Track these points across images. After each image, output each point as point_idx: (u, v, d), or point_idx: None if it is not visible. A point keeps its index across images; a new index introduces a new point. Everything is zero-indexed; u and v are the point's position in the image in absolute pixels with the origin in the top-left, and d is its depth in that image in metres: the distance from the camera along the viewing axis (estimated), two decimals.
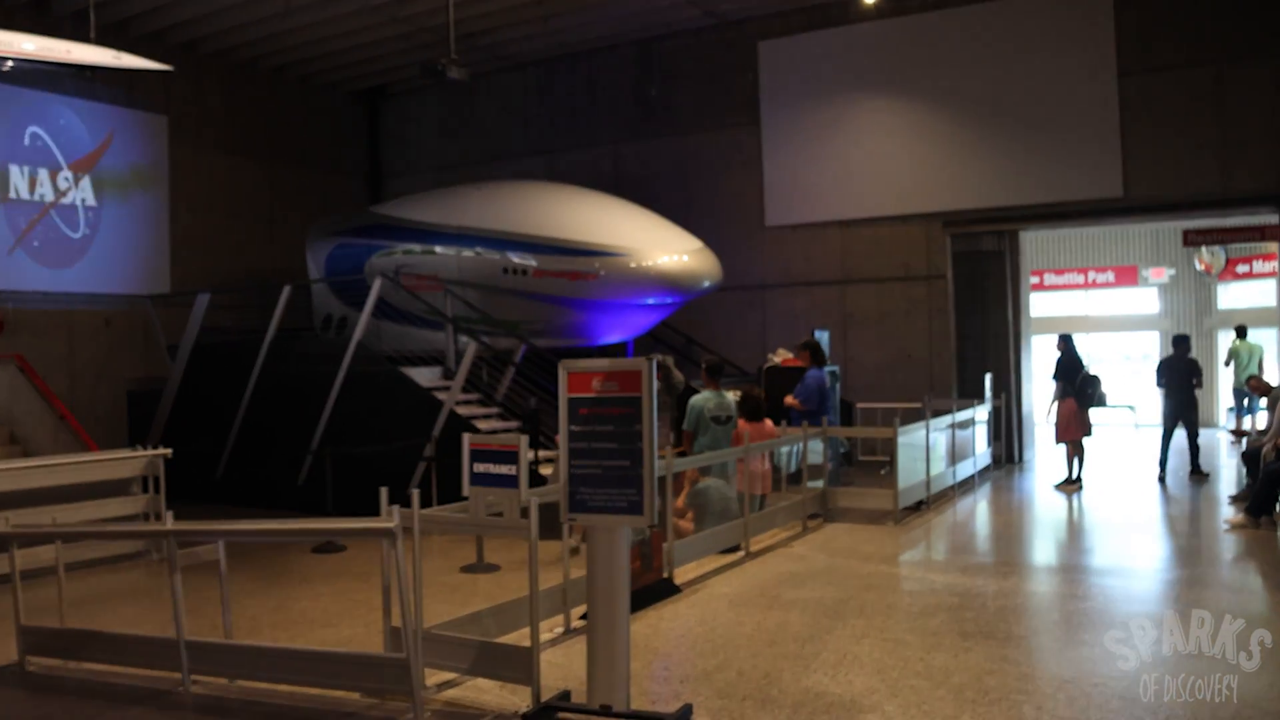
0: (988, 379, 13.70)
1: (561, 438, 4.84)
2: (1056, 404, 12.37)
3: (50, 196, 15.47)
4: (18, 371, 12.94)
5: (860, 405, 14.69)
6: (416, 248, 14.70)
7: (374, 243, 15.22)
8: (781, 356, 12.08)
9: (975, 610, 6.57)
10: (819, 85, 15.89)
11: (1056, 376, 12.39)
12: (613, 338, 14.39)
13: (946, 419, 11.89)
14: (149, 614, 7.24)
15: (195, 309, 15.29)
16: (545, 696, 4.89)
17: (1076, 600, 6.84)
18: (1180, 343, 12.90)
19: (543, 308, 13.86)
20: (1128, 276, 20.87)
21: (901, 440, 10.49)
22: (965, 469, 12.47)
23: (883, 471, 12.17)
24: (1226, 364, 17.30)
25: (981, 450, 13.46)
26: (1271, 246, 16.25)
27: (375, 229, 15.40)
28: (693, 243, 13.67)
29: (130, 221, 16.43)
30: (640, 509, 4.68)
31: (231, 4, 15.30)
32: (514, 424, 13.02)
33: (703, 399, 9.49)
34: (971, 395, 13.95)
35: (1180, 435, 12.71)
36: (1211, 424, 18.36)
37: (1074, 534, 9.83)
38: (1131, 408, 19.71)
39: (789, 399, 11.04)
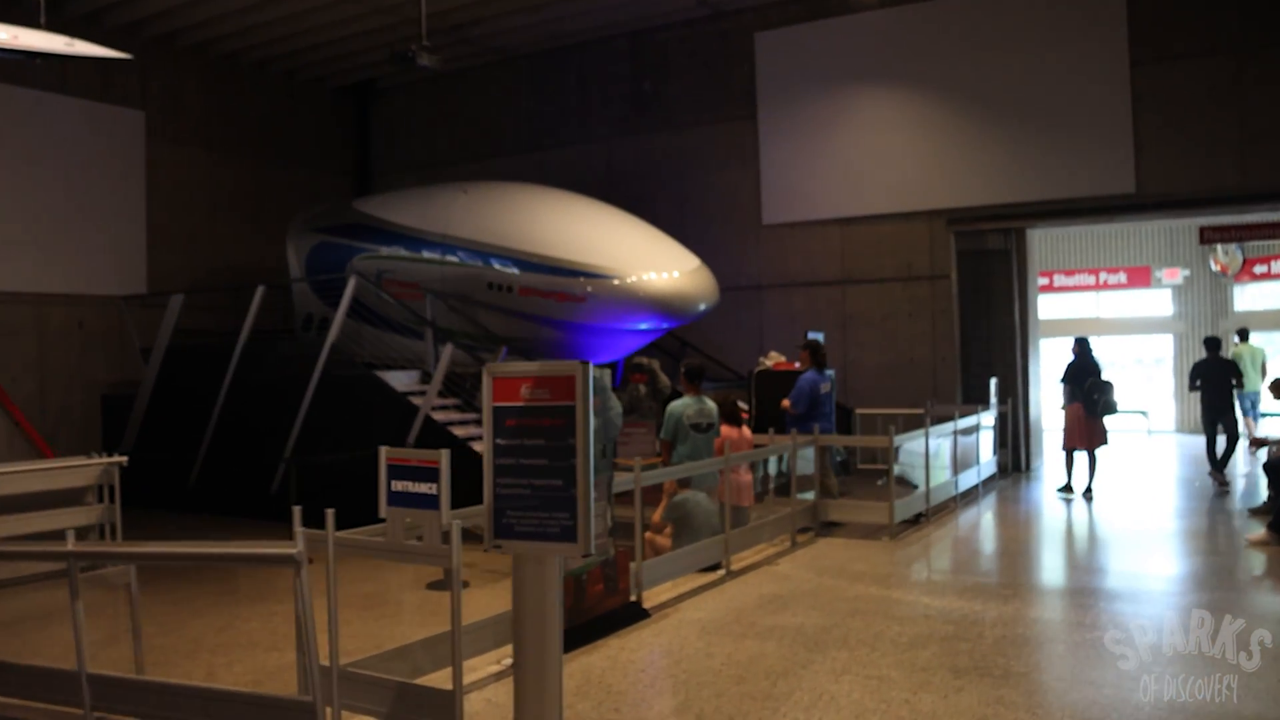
0: (993, 383, 13.05)
1: (486, 453, 4.22)
2: (1065, 409, 11.86)
3: None
4: None
5: (860, 411, 14.04)
6: (400, 253, 14.09)
7: (356, 244, 14.61)
8: (773, 360, 11.43)
9: (971, 641, 5.93)
10: (818, 78, 15.25)
11: (1064, 380, 11.92)
12: (603, 359, 13.73)
13: (948, 426, 11.23)
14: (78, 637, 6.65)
15: (169, 311, 14.77)
16: None
17: (1084, 630, 6.18)
18: (1214, 344, 12.60)
19: (527, 326, 13.17)
20: (1140, 278, 20.15)
21: (899, 449, 9.89)
22: (969, 479, 11.81)
23: (880, 482, 11.52)
24: None
25: (986, 459, 12.82)
26: None
27: (358, 229, 14.79)
28: (688, 261, 12.88)
29: (104, 220, 15.87)
30: (574, 535, 4.07)
31: None
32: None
33: (681, 405, 8.87)
34: (977, 400, 13.30)
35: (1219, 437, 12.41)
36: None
37: (1083, 551, 9.17)
38: (1144, 413, 19.00)
39: (785, 402, 10.44)
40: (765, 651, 5.83)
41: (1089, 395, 11.51)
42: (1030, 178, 13.75)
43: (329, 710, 4.43)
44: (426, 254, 13.73)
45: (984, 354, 14.14)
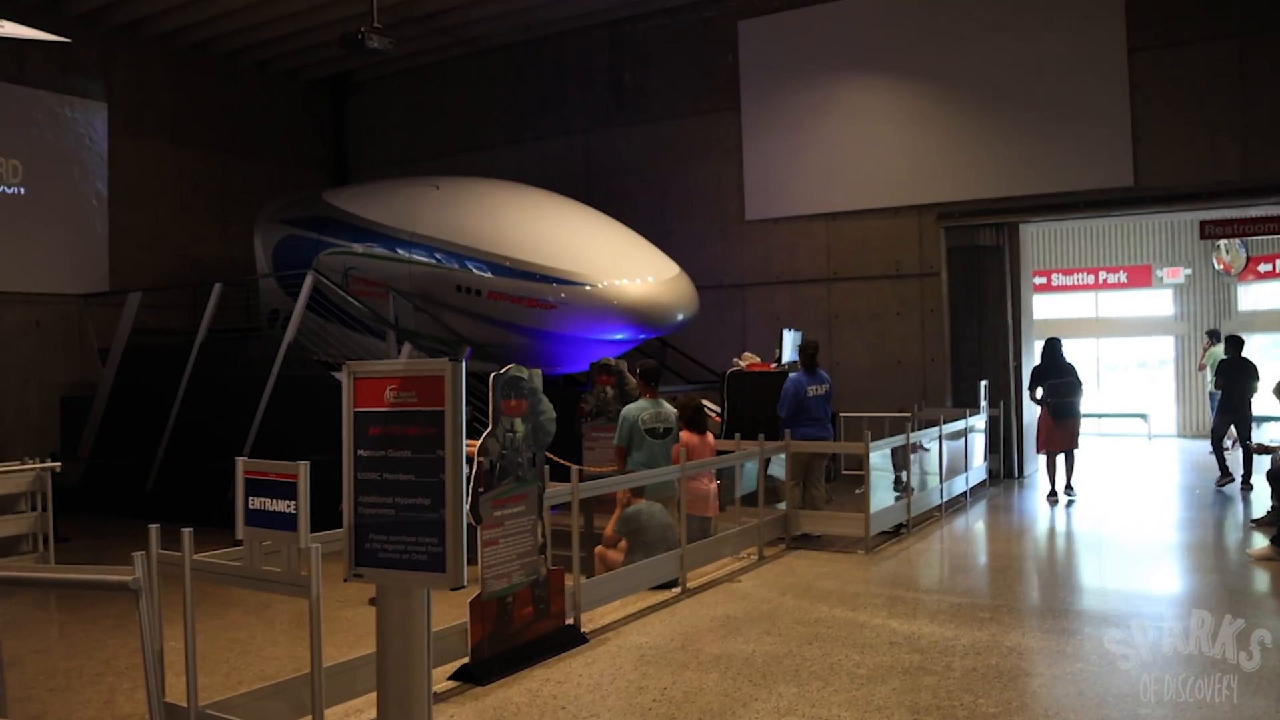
0: (983, 386, 12.41)
1: (346, 467, 3.61)
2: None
3: None
4: None
5: (844, 415, 13.38)
6: (367, 250, 13.50)
7: (324, 239, 14.02)
8: (747, 361, 10.80)
9: (937, 674, 5.30)
10: (803, 67, 14.62)
11: (1031, 383, 11.81)
12: (575, 368, 13.11)
13: (933, 430, 10.61)
14: None
15: (126, 309, 14.23)
16: None
17: (1065, 660, 5.55)
18: (1235, 343, 12.17)
19: (495, 332, 12.56)
20: (1141, 277, 19.46)
21: (877, 456, 9.27)
22: (956, 486, 11.18)
23: (858, 490, 10.89)
24: (1201, 369, 16.28)
25: (976, 464, 12.19)
26: None
27: (326, 223, 14.20)
28: (667, 268, 12.25)
29: (64, 215, 15.29)
30: (442, 564, 3.45)
31: None
32: None
33: (636, 409, 8.24)
34: (968, 403, 12.66)
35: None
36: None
37: (1072, 566, 8.52)
38: (1144, 417, 18.33)
39: None
40: (705, 685, 5.21)
41: (1046, 399, 11.37)
42: (1023, 171, 13.12)
43: None
44: (394, 252, 13.14)
45: (975, 355, 13.49)
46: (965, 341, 13.57)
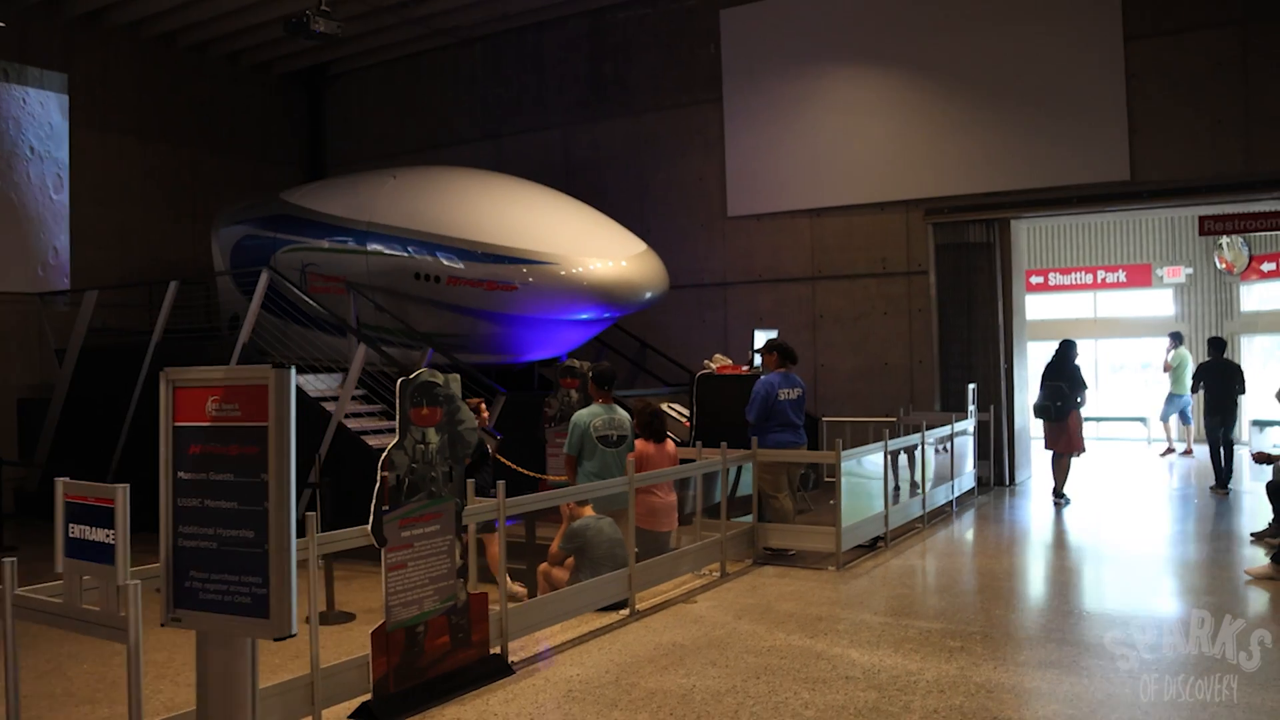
0: (971, 389, 11.83)
1: (164, 492, 3.06)
2: None
3: None
4: None
5: (826, 419, 12.84)
6: (324, 244, 12.94)
7: (280, 236, 13.45)
8: (718, 363, 10.22)
9: (893, 717, 4.72)
10: (787, 57, 14.05)
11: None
12: (542, 354, 12.57)
13: (915, 437, 10.03)
14: None
15: (82, 308, 13.70)
16: None
17: (1040, 702, 4.97)
18: (1217, 346, 12.04)
19: (458, 319, 12.02)
20: (1140, 276, 18.83)
21: (853, 465, 8.70)
22: (940, 495, 10.60)
23: (832, 501, 10.32)
24: (1167, 370, 15.87)
25: (965, 472, 11.61)
26: None
27: (283, 221, 13.63)
28: (634, 245, 11.78)
29: (21, 211, 14.76)
30: (266, 608, 2.89)
31: None
32: None
33: (588, 414, 7.68)
34: (957, 407, 12.10)
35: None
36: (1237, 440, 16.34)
37: (1057, 586, 7.91)
38: (1144, 420, 17.71)
39: None
40: None
41: (1038, 399, 11.34)
42: (1015, 165, 12.54)
43: None
44: (351, 245, 12.60)
45: (965, 357, 12.91)
46: (954, 343, 12.99)
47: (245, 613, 2.92)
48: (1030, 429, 13.79)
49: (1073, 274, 19.31)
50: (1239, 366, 12.32)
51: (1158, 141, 11.87)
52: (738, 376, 9.74)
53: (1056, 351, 11.43)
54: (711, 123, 14.71)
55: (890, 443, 9.16)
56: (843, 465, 8.23)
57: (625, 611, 6.76)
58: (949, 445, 10.96)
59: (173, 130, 16.58)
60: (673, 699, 5.04)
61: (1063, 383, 11.12)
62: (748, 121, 14.35)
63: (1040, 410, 11.25)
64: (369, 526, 4.96)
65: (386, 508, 5.03)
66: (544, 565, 7.26)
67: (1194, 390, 12.56)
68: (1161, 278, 18.71)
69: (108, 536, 3.19)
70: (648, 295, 11.62)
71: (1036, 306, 19.49)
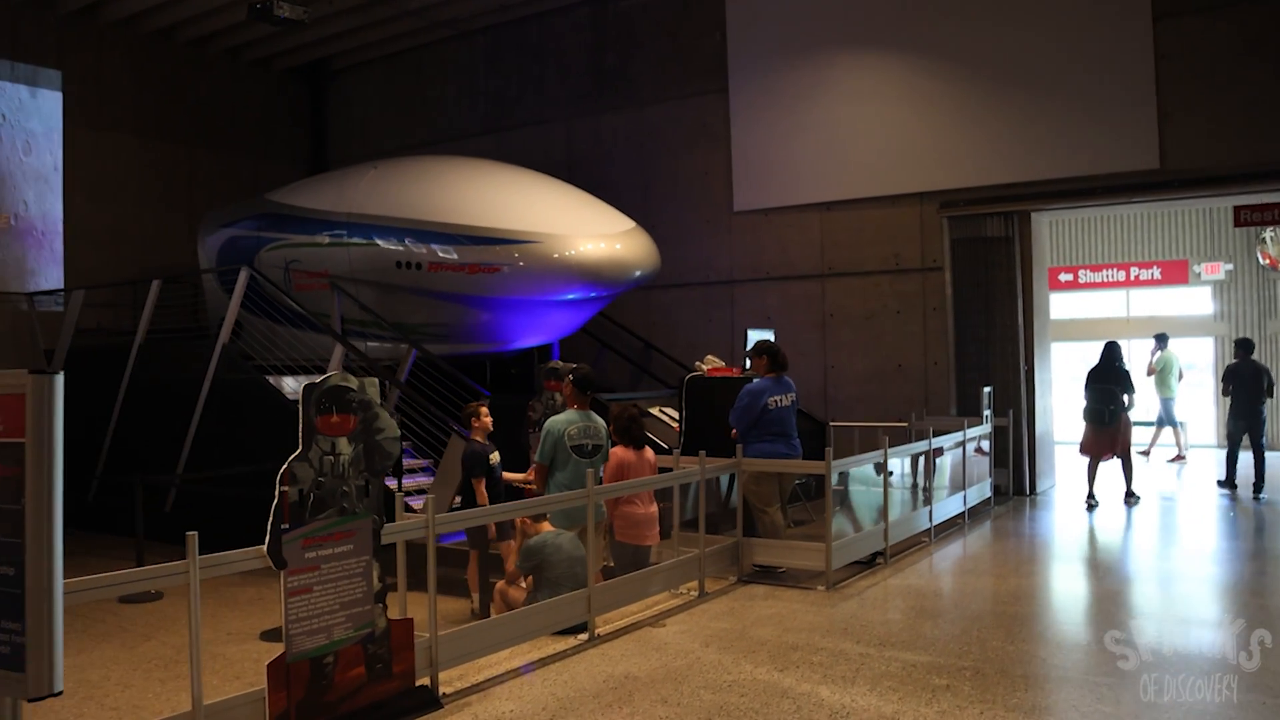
0: (986, 392, 11.12)
1: None
2: None
3: None
4: None
5: (834, 424, 12.17)
6: (306, 239, 12.51)
7: (264, 235, 13.06)
8: (709, 364, 9.59)
9: None
10: (796, 45, 13.40)
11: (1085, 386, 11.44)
12: (532, 340, 12.05)
13: (921, 444, 9.36)
14: None
15: (69, 308, 13.39)
16: None
17: None
18: (1245, 347, 11.65)
19: (443, 307, 11.58)
20: (1176, 273, 17.92)
21: (856, 474, 8.06)
22: (950, 506, 9.91)
23: (817, 517, 9.68)
24: (1151, 374, 15.52)
25: (980, 481, 10.91)
26: None
27: (267, 219, 13.26)
28: (621, 223, 11.37)
29: (13, 211, 14.44)
30: (23, 661, 2.33)
31: None
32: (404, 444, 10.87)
33: (563, 421, 7.10)
34: (975, 411, 11.39)
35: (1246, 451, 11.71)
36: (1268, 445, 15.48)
37: (1072, 611, 7.18)
38: (1181, 425, 16.80)
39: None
40: None
41: (1086, 402, 11.18)
42: (1035, 154, 11.81)
43: None
44: (332, 238, 12.19)
45: (982, 358, 12.18)
46: (971, 343, 12.27)
47: (2, 665, 2.37)
48: (1054, 434, 13.06)
49: (1104, 271, 18.44)
50: (1267, 369, 11.88)
51: (1189, 126, 11.08)
52: (729, 379, 9.11)
53: (1103, 353, 11.25)
54: (717, 114, 14.09)
55: (891, 451, 8.47)
56: (850, 474, 7.59)
57: (584, 636, 6.16)
58: (961, 452, 10.28)
59: (170, 127, 16.24)
60: None
61: (1114, 385, 10.99)
62: (755, 112, 13.71)
63: (1094, 414, 11.06)
64: (265, 547, 4.41)
65: (286, 526, 4.48)
66: (500, 584, 6.70)
67: (1224, 393, 12.19)
68: (1199, 274, 17.80)
69: None
70: (637, 274, 11.15)
71: (1066, 305, 18.72)
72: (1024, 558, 8.65)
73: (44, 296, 14.27)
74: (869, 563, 8.25)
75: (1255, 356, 11.86)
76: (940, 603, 7.00)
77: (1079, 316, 18.23)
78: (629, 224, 11.34)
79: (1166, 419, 15.49)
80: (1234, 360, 11.97)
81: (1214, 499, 11.70)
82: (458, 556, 7.78)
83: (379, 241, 11.64)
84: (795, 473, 8.60)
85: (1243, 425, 11.48)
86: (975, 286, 12.24)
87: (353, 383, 4.75)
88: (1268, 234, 16.67)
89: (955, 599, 7.14)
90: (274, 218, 12.99)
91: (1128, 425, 11.22)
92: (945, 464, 11.01)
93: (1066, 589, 7.84)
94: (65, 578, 3.92)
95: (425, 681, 5.10)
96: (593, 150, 15.13)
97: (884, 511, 8.45)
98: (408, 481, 10.20)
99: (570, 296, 11.14)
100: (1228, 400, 11.92)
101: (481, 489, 7.45)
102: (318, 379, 4.63)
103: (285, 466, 4.49)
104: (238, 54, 17.06)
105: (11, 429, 2.38)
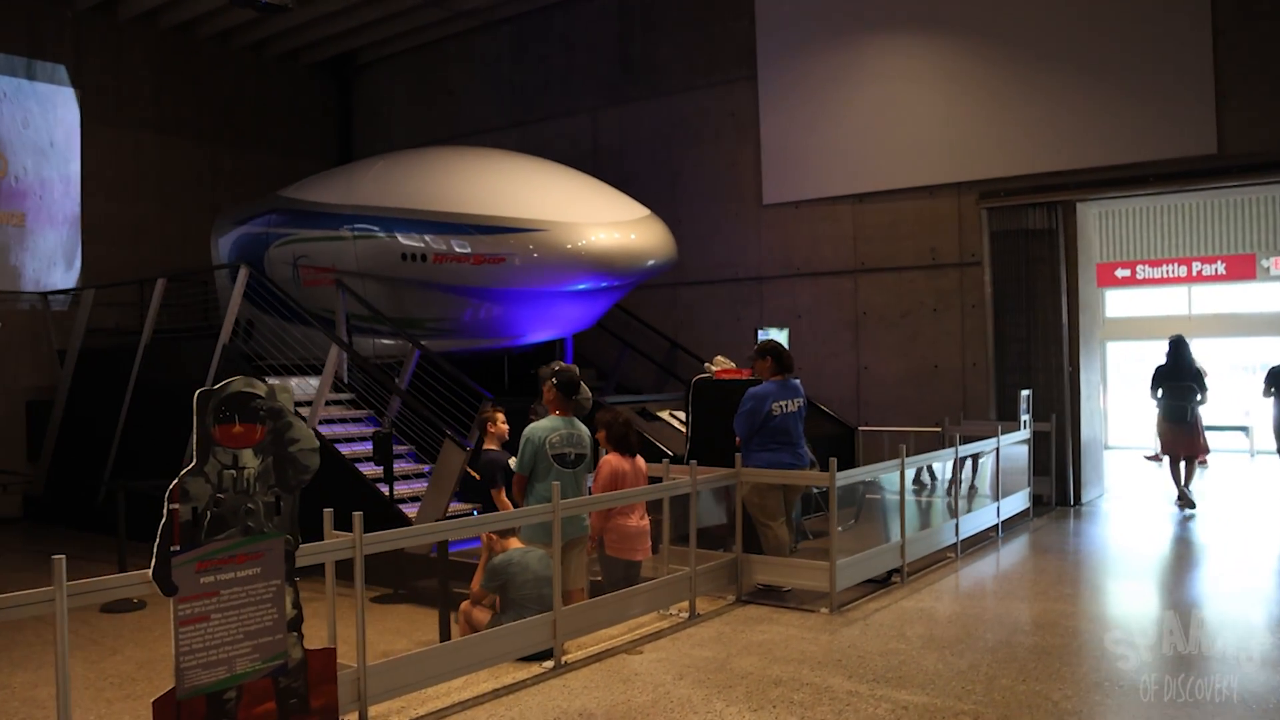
0: (1024, 396, 10.38)
1: None
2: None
3: None
4: None
5: (863, 429, 11.48)
6: (312, 233, 12.18)
7: (273, 230, 12.76)
8: (719, 365, 8.99)
9: None
10: (826, 27, 12.73)
11: (1151, 384, 11.32)
12: (544, 334, 11.56)
13: (947, 453, 8.68)
14: None
15: (81, 308, 13.21)
16: None
17: None
18: None
19: (449, 301, 11.17)
20: (1243, 268, 16.85)
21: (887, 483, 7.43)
22: (980, 519, 9.18)
23: (841, 528, 9.02)
24: None
25: (1017, 491, 10.17)
26: None
27: (275, 215, 12.95)
28: (634, 210, 10.91)
29: (29, 210, 14.31)
30: None
31: None
32: (404, 449, 10.46)
33: (544, 428, 6.54)
34: (1015, 415, 10.64)
35: None
36: None
37: (1107, 642, 6.19)
38: (1246, 430, 15.81)
39: None
40: None
41: (1163, 401, 10.97)
42: (1080, 140, 11.01)
43: None
44: (338, 231, 11.85)
45: (1024, 358, 11.41)
46: (1012, 343, 11.51)
47: None
48: (1104, 439, 12.24)
49: (1163, 266, 17.43)
50: None
51: (1250, 108, 10.22)
52: (739, 382, 8.49)
53: (1171, 351, 11.08)
54: (745, 102, 13.46)
55: (908, 460, 7.80)
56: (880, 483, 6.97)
57: (549, 664, 5.61)
58: (995, 459, 9.55)
59: (192, 124, 16.04)
60: None
61: (1191, 382, 10.87)
62: (784, 100, 13.06)
63: (1175, 412, 10.87)
64: (150, 571, 3.93)
65: (177, 548, 4.00)
66: (465, 604, 6.18)
67: (1265, 394, 12.12)
68: (1268, 269, 16.74)
69: None
70: (650, 263, 10.65)
71: (1123, 303, 17.80)
72: (1057, 577, 7.89)
73: (58, 296, 14.15)
74: (884, 581, 7.60)
75: None
76: (952, 630, 6.32)
77: (1137, 315, 17.26)
78: (643, 211, 10.89)
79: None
80: (1276, 364, 11.81)
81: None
82: (469, 569, 7.29)
83: (384, 234, 11.27)
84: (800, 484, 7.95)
85: None
86: (1016, 282, 11.48)
87: (260, 389, 4.24)
88: None
89: (970, 626, 6.45)
90: (283, 213, 12.69)
91: (1200, 423, 11.11)
92: (985, 469, 10.35)
93: (1102, 615, 7.04)
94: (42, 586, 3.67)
95: (353, 717, 4.59)
96: (618, 142, 14.60)
97: (903, 526, 7.76)
98: (404, 488, 9.77)
99: (581, 287, 10.67)
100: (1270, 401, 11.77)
101: (503, 498, 7.06)
102: (215, 388, 4.14)
103: (175, 482, 4.02)
104: (261, 49, 16.81)
105: None
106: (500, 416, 7.44)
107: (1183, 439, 10.91)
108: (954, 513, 8.60)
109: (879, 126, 12.31)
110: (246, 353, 11.11)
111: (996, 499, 9.48)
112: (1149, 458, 14.42)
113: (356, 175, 12.22)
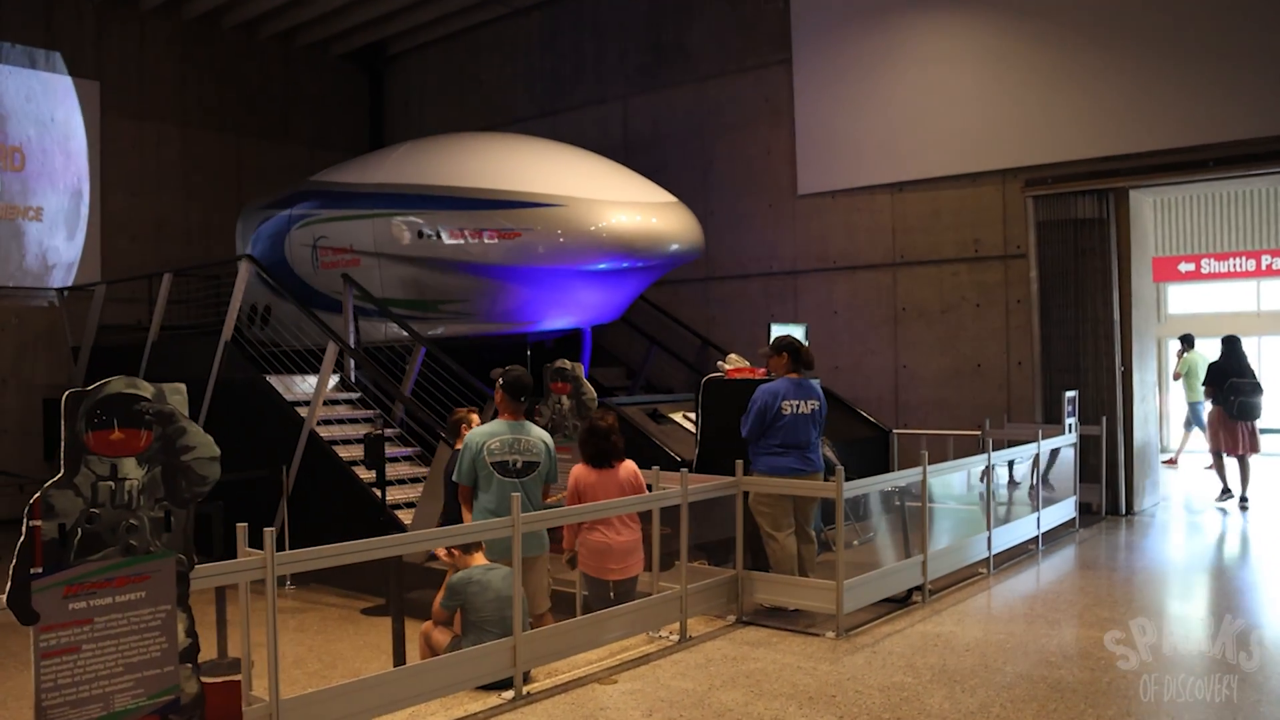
0: (1068, 397, 9.60)
1: None
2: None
3: None
4: None
5: (898, 432, 10.74)
6: (331, 213, 11.93)
7: (295, 213, 12.53)
8: (732, 365, 8.35)
9: None
10: (865, 7, 12.06)
11: (1205, 382, 11.58)
12: (563, 320, 11.04)
13: (977, 460, 7.97)
14: None
15: (93, 303, 13.01)
16: None
17: None
18: None
19: (462, 280, 10.79)
20: None
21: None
22: (1018, 531, 8.45)
23: (858, 541, 8.37)
24: (1177, 378, 14.48)
25: (1062, 499, 9.41)
26: None
27: (298, 197, 12.76)
28: (659, 194, 10.47)
29: (46, 205, 14.14)
30: None
31: None
32: (409, 450, 10.04)
33: (483, 434, 5.91)
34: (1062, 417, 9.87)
35: None
36: None
37: (1144, 678, 5.60)
38: None
39: None
40: None
41: (1225, 397, 10.79)
42: (1133, 122, 10.20)
43: None
44: (356, 210, 11.56)
45: (1072, 357, 10.62)
46: (1060, 340, 10.72)
47: None
48: (1159, 442, 11.40)
49: (1230, 260, 16.36)
50: None
51: None
52: (749, 381, 7.85)
53: (1226, 350, 11.02)
54: (780, 87, 12.81)
55: (931, 468, 7.11)
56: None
57: (509, 694, 5.05)
58: (1035, 466, 8.81)
59: (217, 115, 15.81)
60: None
61: (1254, 380, 10.85)
62: (820, 85, 12.39)
63: (1247, 409, 10.78)
64: (3, 597, 3.44)
65: (39, 570, 3.50)
66: (425, 625, 5.64)
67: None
68: None
69: None
70: (674, 247, 10.19)
71: (1187, 299, 16.84)
72: (1097, 598, 7.13)
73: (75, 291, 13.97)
74: (904, 600, 6.93)
75: None
76: (969, 660, 5.63)
77: (1203, 311, 16.24)
78: (668, 197, 10.49)
79: (1195, 422, 14.33)
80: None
81: None
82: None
83: (399, 212, 10.97)
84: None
85: None
86: (1065, 275, 10.69)
87: (145, 389, 3.73)
88: None
89: (990, 655, 5.75)
90: (306, 195, 12.71)
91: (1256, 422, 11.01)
92: (1059, 466, 9.78)
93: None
94: None
95: None
96: (649, 131, 14.06)
97: (924, 539, 7.07)
98: (409, 492, 9.32)
99: (601, 266, 10.14)
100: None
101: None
102: (89, 388, 3.64)
103: (37, 495, 3.52)
104: (290, 38, 16.53)
105: None
106: (475, 419, 6.89)
107: (1248, 438, 10.86)
108: (989, 524, 7.86)
109: (919, 110, 11.58)
110: (250, 352, 10.77)
111: (1037, 508, 8.72)
112: (1165, 462, 13.61)
113: (379, 156, 12.21)
